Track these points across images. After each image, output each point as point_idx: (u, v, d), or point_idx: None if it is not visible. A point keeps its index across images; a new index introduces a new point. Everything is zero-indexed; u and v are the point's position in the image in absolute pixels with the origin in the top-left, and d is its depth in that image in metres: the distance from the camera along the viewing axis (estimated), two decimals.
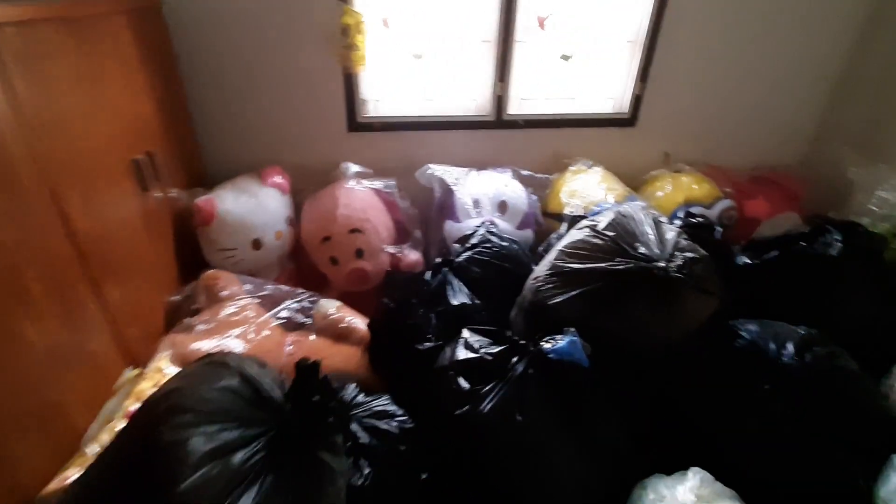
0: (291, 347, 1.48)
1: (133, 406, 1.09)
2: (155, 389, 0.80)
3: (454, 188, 1.97)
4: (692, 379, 1.19)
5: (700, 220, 1.67)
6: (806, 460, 1.09)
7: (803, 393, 1.14)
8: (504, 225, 1.88)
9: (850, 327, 1.43)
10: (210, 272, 1.57)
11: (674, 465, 1.04)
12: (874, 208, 1.80)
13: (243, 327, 1.42)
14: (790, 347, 1.20)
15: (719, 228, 1.65)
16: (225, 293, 1.52)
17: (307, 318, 1.61)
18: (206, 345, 1.30)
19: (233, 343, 1.36)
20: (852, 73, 2.13)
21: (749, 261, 1.60)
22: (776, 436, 1.11)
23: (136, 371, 1.22)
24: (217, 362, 0.77)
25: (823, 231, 1.59)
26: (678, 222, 1.64)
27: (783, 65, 2.11)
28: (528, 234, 1.96)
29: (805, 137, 2.31)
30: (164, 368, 1.21)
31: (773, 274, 1.54)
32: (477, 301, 1.51)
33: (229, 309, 1.46)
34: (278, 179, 1.88)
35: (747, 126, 2.23)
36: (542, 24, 1.99)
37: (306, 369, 0.72)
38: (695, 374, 1.20)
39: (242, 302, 1.51)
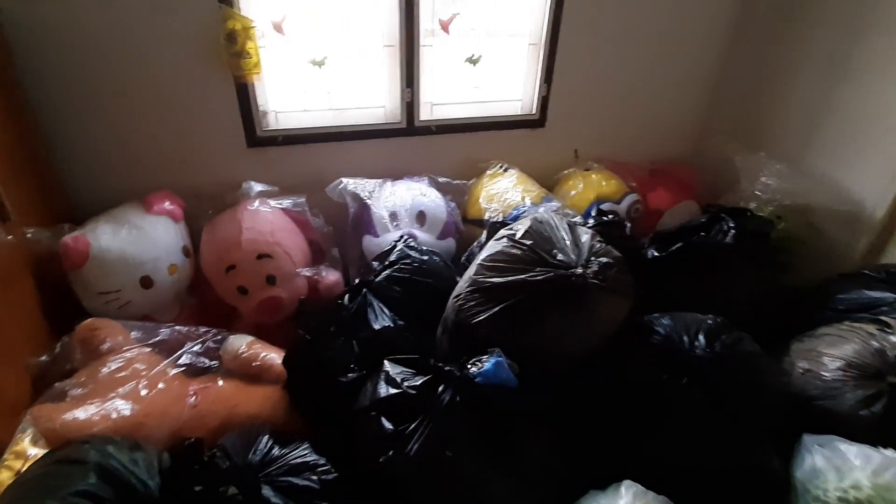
0: (195, 398, 1.32)
1: None
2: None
3: (369, 202, 1.87)
4: (615, 383, 1.21)
5: (611, 217, 1.72)
6: (725, 449, 1.14)
7: (717, 381, 1.19)
8: (424, 237, 1.82)
9: (745, 308, 1.54)
10: (86, 322, 1.35)
11: (606, 477, 1.04)
12: (759, 193, 1.96)
13: (132, 384, 1.23)
14: (701, 338, 1.25)
15: (629, 224, 1.71)
16: (107, 346, 1.31)
17: (213, 360, 1.44)
18: (83, 413, 1.10)
19: (119, 405, 1.17)
20: (728, 70, 2.32)
21: (657, 253, 1.67)
22: (697, 428, 1.15)
23: None
24: (68, 459, 0.62)
25: (718, 219, 1.71)
26: (591, 220, 1.68)
27: (667, 64, 2.24)
28: (449, 243, 1.91)
29: (693, 129, 2.48)
30: (27, 451, 1.00)
31: (679, 264, 1.62)
32: (401, 322, 1.43)
33: (113, 364, 1.26)
34: (167, 206, 1.67)
35: (643, 122, 2.35)
36: (445, 28, 1.95)
37: (183, 454, 0.60)
38: (616, 377, 1.21)
39: (130, 353, 1.31)
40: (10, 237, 1.29)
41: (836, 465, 1.09)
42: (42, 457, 0.65)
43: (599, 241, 1.32)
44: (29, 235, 1.37)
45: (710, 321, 1.31)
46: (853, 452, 1.09)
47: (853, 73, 1.86)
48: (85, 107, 1.62)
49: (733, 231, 1.63)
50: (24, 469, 0.89)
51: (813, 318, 1.57)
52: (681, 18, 2.14)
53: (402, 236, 1.72)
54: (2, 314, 1.24)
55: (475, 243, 1.74)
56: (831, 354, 1.38)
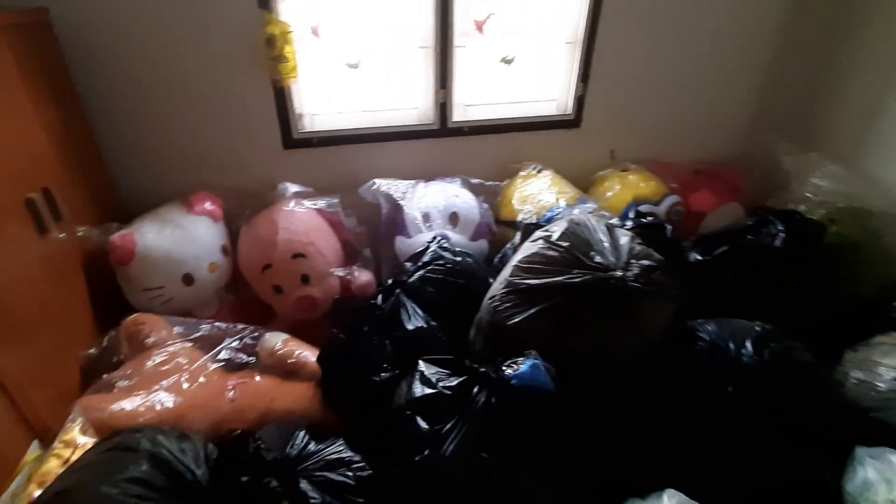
0: (233, 392, 1.34)
1: (37, 492, 0.92)
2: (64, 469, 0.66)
3: (402, 203, 1.87)
4: (658, 390, 1.16)
5: (650, 219, 1.67)
6: (773, 460, 1.08)
7: (765, 391, 1.13)
8: (456, 237, 1.81)
9: (799, 315, 1.47)
10: (132, 317, 1.40)
11: (648, 486, 1.00)
12: (810, 195, 1.86)
13: (174, 377, 1.26)
14: (749, 346, 1.19)
15: (669, 227, 1.65)
16: (151, 340, 1.36)
17: (251, 356, 1.47)
18: (129, 404, 1.14)
19: (162, 397, 1.21)
20: (778, 67, 2.21)
21: (700, 257, 1.61)
22: (743, 438, 1.09)
23: (36, 451, 1.04)
24: (121, 446, 0.64)
25: (766, 222, 1.63)
26: (629, 223, 1.63)
27: (712, 62, 2.16)
28: (482, 244, 1.90)
29: (740, 130, 2.38)
30: (76, 440, 1.04)
31: (724, 268, 1.56)
32: (434, 323, 1.43)
33: (157, 358, 1.30)
34: (208, 206, 1.72)
35: (686, 121, 2.28)
36: (480, 28, 1.94)
37: (231, 446, 0.61)
38: (660, 384, 1.16)
39: (173, 348, 1.35)
40: (62, 235, 1.34)
41: (888, 477, 1.03)
42: (96, 444, 0.68)
43: (639, 243, 1.28)
44: (80, 234, 1.44)
45: (758, 328, 1.25)
46: None
47: None
48: (132, 108, 1.68)
49: (783, 234, 1.55)
50: (74, 457, 0.92)
51: (869, 327, 1.50)
52: (728, 13, 2.05)
53: (434, 237, 1.72)
54: (55, 308, 1.30)
55: (508, 245, 1.72)
56: (887, 364, 1.32)
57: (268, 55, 1.69)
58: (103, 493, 0.57)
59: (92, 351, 1.36)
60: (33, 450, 1.09)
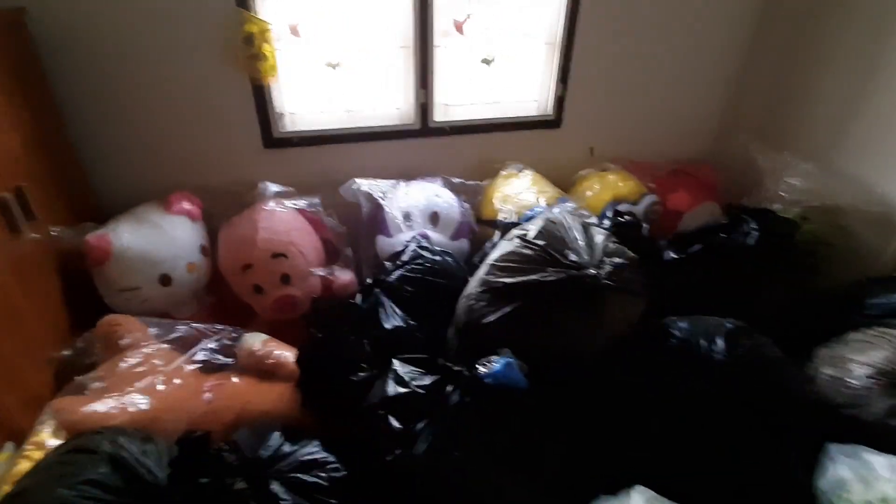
0: (210, 394, 1.33)
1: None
2: None
3: (383, 202, 1.88)
4: (630, 387, 1.18)
5: (628, 218, 1.69)
6: (745, 457, 1.10)
7: (736, 387, 1.15)
8: (437, 237, 1.81)
9: (770, 313, 1.49)
10: (107, 318, 1.38)
11: (619, 483, 1.01)
12: (783, 194, 1.89)
13: (149, 379, 1.25)
14: (720, 342, 1.21)
15: (646, 225, 1.67)
16: (126, 341, 1.34)
17: (229, 357, 1.46)
18: (102, 406, 1.13)
19: (136, 399, 1.20)
20: (751, 67, 2.25)
21: (675, 255, 1.63)
22: (714, 434, 1.11)
23: (8, 452, 1.03)
24: (81, 448, 0.64)
25: (740, 220, 1.66)
26: (607, 222, 1.65)
27: (686, 61, 2.19)
28: (462, 244, 1.91)
29: (715, 129, 2.42)
30: (46, 442, 1.03)
31: (698, 266, 1.58)
32: (412, 322, 1.43)
33: (131, 359, 1.29)
34: (186, 206, 1.70)
35: (663, 121, 2.30)
36: (460, 29, 1.94)
37: (189, 446, 0.61)
38: (632, 381, 1.18)
39: (148, 349, 1.34)
40: (35, 235, 1.33)
41: (863, 475, 1.04)
42: (56, 446, 0.67)
43: (614, 241, 1.30)
44: (54, 234, 1.42)
45: (729, 325, 1.27)
46: (881, 463, 1.04)
47: (883, 69, 1.78)
48: (108, 108, 1.66)
49: (756, 232, 1.58)
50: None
51: (841, 324, 1.52)
52: (701, 14, 2.09)
53: (415, 237, 1.72)
54: (27, 309, 1.28)
55: (488, 244, 1.73)
56: (859, 361, 1.33)
57: (246, 53, 1.68)
58: (59, 495, 0.57)
59: (66, 352, 1.35)
60: (7, 450, 1.08)
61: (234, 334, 1.50)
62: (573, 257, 1.19)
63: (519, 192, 1.96)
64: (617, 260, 1.18)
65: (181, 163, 1.82)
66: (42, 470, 0.63)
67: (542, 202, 1.91)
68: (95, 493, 0.59)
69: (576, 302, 1.14)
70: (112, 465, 0.61)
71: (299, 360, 1.41)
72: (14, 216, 1.25)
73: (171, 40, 1.63)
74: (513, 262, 1.23)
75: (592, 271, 1.15)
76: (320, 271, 1.78)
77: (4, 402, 1.12)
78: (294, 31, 1.80)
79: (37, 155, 1.41)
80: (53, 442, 1.04)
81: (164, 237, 1.61)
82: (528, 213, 1.87)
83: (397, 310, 1.45)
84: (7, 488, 0.94)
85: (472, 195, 2.04)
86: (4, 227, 1.23)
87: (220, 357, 1.44)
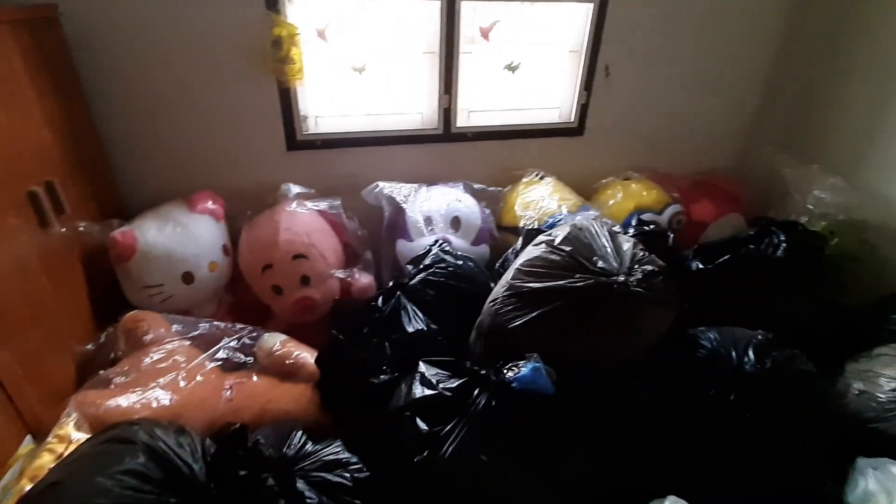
0: (230, 392, 1.33)
1: (28, 487, 0.91)
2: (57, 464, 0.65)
3: (404, 206, 1.88)
4: (659, 396, 1.15)
5: (653, 227, 1.67)
6: (774, 469, 1.07)
7: (767, 400, 1.12)
8: (458, 242, 1.81)
9: (796, 326, 1.46)
10: (131, 314, 1.39)
11: (648, 492, 0.99)
12: (810, 207, 1.87)
13: (171, 375, 1.25)
14: (751, 354, 1.19)
15: (671, 235, 1.65)
16: (149, 337, 1.35)
17: (249, 356, 1.46)
18: (125, 401, 1.13)
19: (159, 395, 1.19)
20: (779, 79, 2.24)
21: (702, 265, 1.61)
22: (745, 446, 1.09)
23: (30, 445, 1.03)
24: (118, 438, 0.63)
25: (768, 232, 1.64)
26: (631, 230, 1.63)
27: (715, 73, 2.18)
28: (483, 249, 1.90)
29: (741, 141, 2.40)
30: (70, 435, 1.03)
31: (726, 277, 1.55)
32: (434, 326, 1.42)
33: (154, 355, 1.29)
34: (210, 205, 1.71)
35: (688, 131, 2.29)
36: (485, 35, 1.96)
37: (229, 439, 0.60)
38: (661, 391, 1.16)
39: (171, 346, 1.34)
40: (63, 230, 1.34)
41: (889, 488, 1.02)
42: (93, 436, 0.66)
43: (642, 249, 1.28)
44: (81, 229, 1.43)
45: (759, 337, 1.25)
46: None
47: None
48: (136, 106, 1.69)
49: (784, 245, 1.56)
50: (67, 452, 0.91)
51: (868, 339, 1.50)
52: (728, 26, 2.08)
53: (436, 241, 1.72)
54: (52, 303, 1.28)
55: (510, 250, 1.72)
56: (887, 375, 1.32)
57: (274, 56, 1.70)
58: (98, 484, 0.56)
59: (89, 347, 1.35)
60: (27, 444, 1.08)
61: (253, 334, 1.49)
62: (601, 264, 1.18)
63: (540, 199, 1.95)
64: (647, 268, 1.16)
65: (206, 162, 1.84)
66: (79, 459, 0.62)
67: (564, 209, 1.89)
68: (134, 483, 0.58)
69: (604, 309, 1.12)
70: (149, 456, 0.61)
71: (320, 361, 1.40)
72: (44, 210, 1.26)
73: (201, 42, 1.65)
74: (540, 268, 1.21)
75: (622, 278, 1.13)
76: (340, 273, 1.78)
77: (27, 395, 1.12)
78: (321, 36, 1.82)
79: (67, 150, 1.42)
80: (77, 435, 1.03)
81: (187, 236, 1.62)
82: (550, 220, 1.87)
83: (419, 313, 1.44)
84: (27, 483, 0.94)
85: (494, 201, 2.03)
86: (35, 220, 1.24)
87: (241, 356, 1.44)
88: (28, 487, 0.91)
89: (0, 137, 1.14)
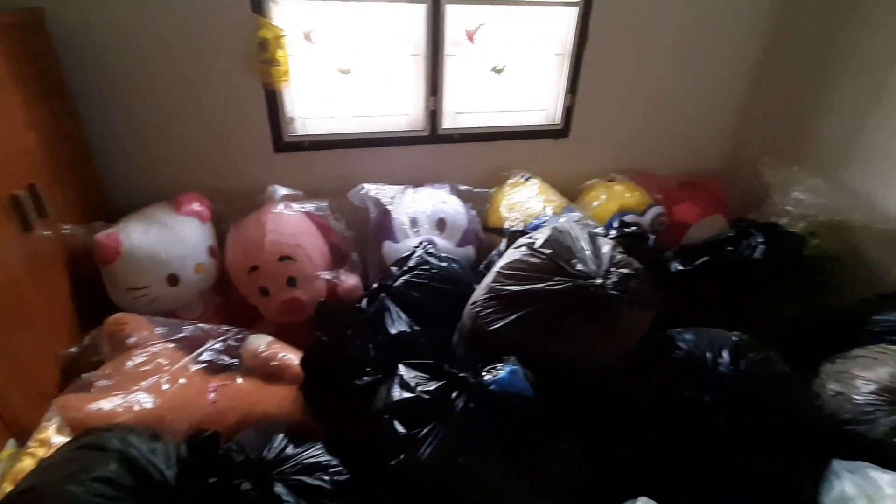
0: (214, 395, 1.34)
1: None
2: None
3: (390, 208, 1.89)
4: (635, 397, 1.18)
5: (634, 228, 1.69)
6: (750, 471, 1.09)
7: (741, 401, 1.14)
8: (443, 243, 1.82)
9: (776, 327, 1.49)
10: (114, 317, 1.39)
11: (623, 492, 1.01)
12: (791, 209, 1.90)
13: (154, 378, 1.26)
14: (726, 355, 1.21)
15: (652, 237, 1.67)
16: (133, 340, 1.35)
17: (234, 358, 1.47)
18: (107, 404, 1.14)
19: (141, 398, 1.20)
20: (762, 82, 2.27)
21: (681, 267, 1.63)
22: (719, 448, 1.11)
23: (12, 449, 1.04)
24: (90, 445, 0.64)
25: (747, 234, 1.66)
26: (613, 232, 1.65)
27: (698, 76, 2.21)
28: (469, 251, 1.91)
29: (724, 143, 2.43)
30: (51, 439, 1.03)
31: (705, 279, 1.58)
32: (417, 328, 1.43)
33: (137, 358, 1.30)
34: (196, 207, 1.72)
35: (671, 133, 2.32)
36: (471, 38, 1.97)
37: (200, 445, 0.61)
38: (638, 392, 1.18)
39: (154, 348, 1.35)
40: (47, 232, 1.34)
41: (868, 492, 1.03)
42: (66, 443, 0.67)
43: (620, 251, 1.30)
44: (65, 231, 1.43)
45: (735, 338, 1.27)
46: (886, 480, 1.03)
47: (893, 86, 1.79)
48: (121, 108, 1.69)
49: (763, 246, 1.58)
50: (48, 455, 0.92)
51: (847, 340, 1.52)
52: (713, 30, 2.11)
53: (421, 242, 1.73)
54: (36, 306, 1.29)
55: (494, 251, 1.74)
56: (865, 377, 1.33)
57: (260, 58, 1.70)
58: (69, 491, 0.57)
59: (73, 350, 1.36)
60: (9, 448, 1.08)
61: (239, 335, 1.50)
62: (580, 267, 1.20)
63: (526, 201, 1.97)
64: (624, 270, 1.18)
65: (192, 164, 1.84)
66: (51, 466, 0.63)
67: (549, 211, 1.91)
68: (105, 490, 0.59)
69: (582, 311, 1.14)
70: (121, 463, 0.62)
71: (304, 363, 1.41)
72: (27, 213, 1.26)
73: (187, 44, 1.66)
74: (520, 271, 1.23)
75: (599, 281, 1.15)
76: (326, 275, 1.79)
77: (10, 399, 1.13)
78: (307, 38, 1.83)
79: (51, 153, 1.42)
80: (58, 439, 1.04)
81: (173, 237, 1.62)
82: (535, 221, 1.88)
83: (403, 315, 1.45)
84: (8, 486, 0.94)
85: (479, 202, 2.05)
86: (18, 223, 1.24)
87: (226, 358, 1.45)
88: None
89: None
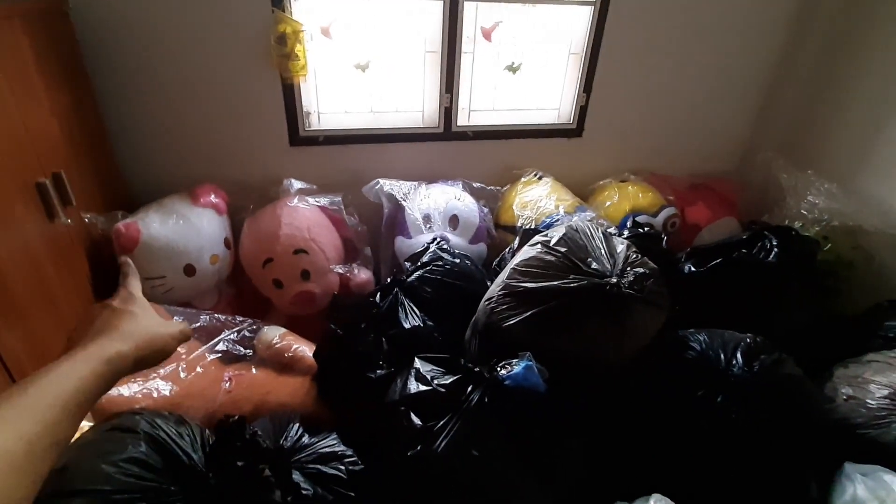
0: (229, 384, 1.36)
1: None
2: None
3: (404, 203, 1.90)
4: (647, 396, 1.18)
5: (647, 229, 1.69)
6: (761, 472, 1.09)
7: (754, 403, 1.15)
8: (456, 240, 1.83)
9: (789, 330, 1.49)
10: None
11: (635, 489, 1.02)
12: (805, 213, 1.89)
13: (172, 366, 1.28)
14: (739, 357, 1.21)
15: (665, 237, 1.67)
16: None
17: (248, 349, 1.49)
18: (126, 390, 1.16)
19: (160, 385, 1.22)
20: (778, 85, 2.26)
21: (694, 268, 1.63)
22: (731, 448, 1.11)
23: None
24: (121, 427, 0.66)
25: (761, 237, 1.66)
26: (626, 232, 1.66)
27: (716, 76, 2.20)
28: (481, 248, 1.92)
29: (738, 145, 2.42)
30: None
31: (717, 281, 1.58)
32: (430, 323, 1.45)
33: None
34: (213, 198, 1.74)
35: (685, 135, 2.31)
36: (487, 36, 1.97)
37: (228, 430, 0.63)
38: (649, 390, 1.19)
39: None
40: (69, 221, 1.36)
41: (881, 496, 1.04)
42: (96, 424, 0.69)
43: (635, 251, 1.30)
44: (86, 220, 1.46)
45: (748, 340, 1.27)
46: None
47: None
48: (142, 99, 1.71)
49: (777, 250, 1.58)
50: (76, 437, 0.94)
51: (860, 345, 1.52)
52: (730, 32, 2.10)
53: (434, 238, 1.74)
54: (58, 292, 1.31)
55: (507, 249, 1.75)
56: (878, 382, 1.33)
57: (278, 52, 1.72)
58: (102, 471, 0.58)
59: None
60: None
61: (253, 327, 1.52)
62: (595, 265, 1.20)
63: (538, 199, 1.97)
64: (639, 270, 1.18)
65: (210, 156, 1.86)
66: (83, 446, 0.65)
67: (561, 210, 1.92)
68: (136, 470, 0.61)
69: (597, 309, 1.14)
70: (151, 445, 0.63)
71: (317, 355, 1.43)
72: (51, 201, 1.28)
73: (207, 36, 1.67)
74: (535, 268, 1.23)
75: (614, 280, 1.16)
76: (339, 269, 1.80)
77: None
78: (325, 33, 1.84)
79: (74, 142, 1.45)
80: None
81: (190, 228, 1.64)
82: (547, 220, 1.89)
83: (416, 310, 1.46)
84: None
85: (492, 200, 2.05)
86: (42, 211, 1.27)
87: (240, 348, 1.46)
88: None
89: (9, 129, 1.17)
